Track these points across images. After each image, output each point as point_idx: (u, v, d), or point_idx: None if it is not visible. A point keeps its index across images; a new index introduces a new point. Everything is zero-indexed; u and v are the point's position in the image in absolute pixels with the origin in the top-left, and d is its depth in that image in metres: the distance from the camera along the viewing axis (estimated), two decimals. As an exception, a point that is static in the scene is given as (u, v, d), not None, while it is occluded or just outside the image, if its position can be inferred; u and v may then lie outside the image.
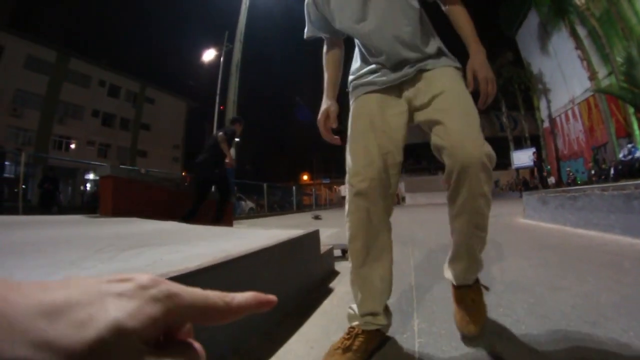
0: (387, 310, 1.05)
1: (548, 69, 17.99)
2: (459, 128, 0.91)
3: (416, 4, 1.05)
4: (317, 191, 24.58)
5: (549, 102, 18.78)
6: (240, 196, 13.96)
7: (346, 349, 0.93)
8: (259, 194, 14.93)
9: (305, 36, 1.24)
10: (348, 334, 0.98)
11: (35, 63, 20.67)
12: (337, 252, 2.39)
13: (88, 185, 16.87)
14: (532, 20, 17.86)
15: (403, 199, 20.52)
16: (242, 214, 12.52)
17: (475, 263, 1.05)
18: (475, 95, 1.02)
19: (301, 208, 17.95)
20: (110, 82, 25.58)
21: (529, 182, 19.54)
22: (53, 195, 9.55)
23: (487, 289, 1.16)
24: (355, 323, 1.00)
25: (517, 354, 0.91)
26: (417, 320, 1.20)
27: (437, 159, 1.01)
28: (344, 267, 2.09)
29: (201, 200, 4.04)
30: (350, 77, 1.15)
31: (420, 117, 1.02)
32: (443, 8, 1.11)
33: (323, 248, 1.86)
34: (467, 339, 1.01)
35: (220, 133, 4.30)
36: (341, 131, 1.19)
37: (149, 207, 3.33)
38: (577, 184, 13.47)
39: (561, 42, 15.63)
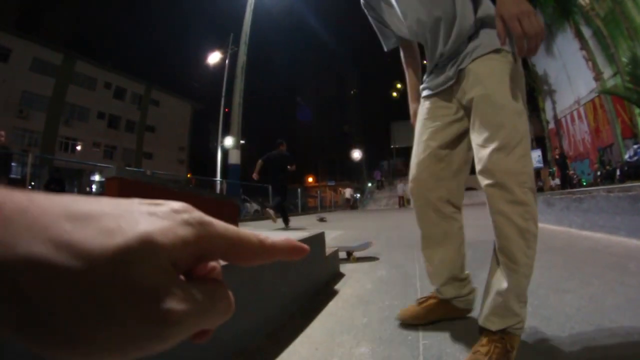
0: (461, 286, 1.14)
1: (553, 70, 17.87)
2: (484, 146, 0.90)
3: None
4: (322, 193, 24.57)
5: (554, 103, 18.64)
6: (245, 198, 14.00)
7: (419, 304, 1.20)
8: (264, 196, 15.00)
9: (385, 50, 1.30)
10: (427, 295, 1.22)
11: (41, 65, 20.92)
12: (342, 255, 2.40)
13: (94, 187, 17.01)
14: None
15: (408, 201, 20.47)
16: (247, 216, 12.54)
17: (503, 306, 0.90)
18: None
19: (306, 210, 17.94)
20: (116, 84, 25.81)
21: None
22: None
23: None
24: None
25: (521, 356, 0.91)
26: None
27: None
28: (349, 270, 2.10)
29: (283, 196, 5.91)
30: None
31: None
32: None
33: (328, 250, 1.87)
34: None
35: (285, 159, 5.88)
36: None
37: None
38: (583, 186, 13.35)
39: (566, 42, 15.53)
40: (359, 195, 28.91)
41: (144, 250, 0.13)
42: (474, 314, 1.16)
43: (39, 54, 20.86)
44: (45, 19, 29.62)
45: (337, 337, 1.11)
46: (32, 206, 0.13)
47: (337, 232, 4.39)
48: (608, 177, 11.05)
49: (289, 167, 5.85)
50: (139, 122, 27.46)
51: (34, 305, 0.12)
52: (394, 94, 44.63)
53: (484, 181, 0.90)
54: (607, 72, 12.89)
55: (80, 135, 23.09)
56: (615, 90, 11.50)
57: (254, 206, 14.92)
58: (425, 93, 1.14)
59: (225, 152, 12.05)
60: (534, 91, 21.97)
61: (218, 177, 12.68)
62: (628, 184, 3.33)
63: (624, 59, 11.06)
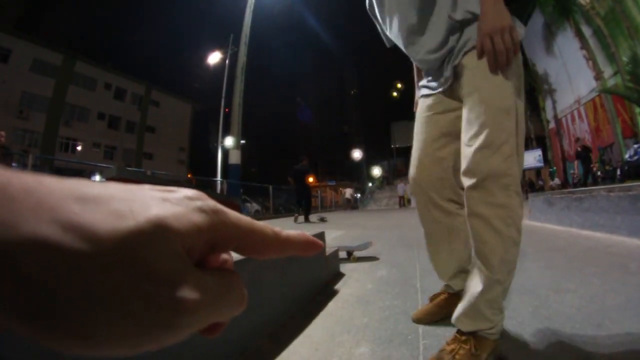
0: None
1: (553, 70, 17.86)
2: (468, 145, 0.87)
3: None
4: (322, 193, 24.56)
5: (554, 102, 18.63)
6: (246, 198, 14.01)
7: (431, 301, 1.24)
8: (264, 196, 15.00)
9: (387, 46, 1.29)
10: (438, 292, 1.25)
11: (41, 66, 20.93)
12: (343, 254, 2.39)
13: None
14: (537, 21, 17.75)
15: (409, 200, 20.48)
16: (248, 216, 12.58)
17: (473, 309, 0.87)
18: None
19: (307, 209, 17.96)
20: (116, 85, 25.82)
21: (534, 183, 19.39)
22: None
23: None
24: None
25: (521, 356, 0.91)
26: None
27: None
28: (349, 269, 2.10)
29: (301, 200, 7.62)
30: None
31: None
32: None
33: (328, 250, 1.87)
34: None
35: (305, 169, 7.91)
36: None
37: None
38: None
39: (566, 42, 15.52)
40: (359, 195, 28.90)
41: (157, 234, 0.13)
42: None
43: (39, 55, 20.87)
44: (45, 19, 29.62)
45: (337, 337, 1.11)
46: (39, 187, 0.12)
47: (338, 232, 4.39)
48: (608, 177, 11.03)
49: (306, 177, 7.92)
50: (139, 122, 27.46)
51: (37, 290, 0.11)
52: (394, 93, 44.63)
53: (466, 182, 0.85)
54: (607, 71, 12.88)
55: (80, 135, 23.12)
56: (615, 89, 11.48)
57: (254, 206, 14.93)
58: (424, 92, 1.13)
59: (226, 152, 12.03)
60: (534, 90, 21.97)
61: (219, 177, 12.63)
62: (628, 184, 3.33)
63: (624, 58, 11.06)
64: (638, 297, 1.29)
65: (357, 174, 42.75)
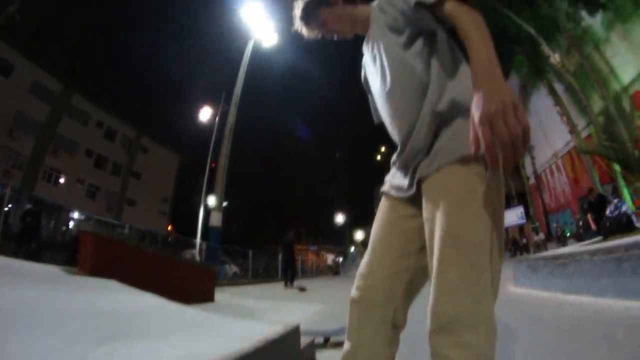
0: None
1: (530, 128, 18.94)
2: (434, 284, 0.71)
3: (412, 57, 0.82)
4: (303, 257, 23.91)
5: (533, 159, 19.45)
6: (224, 259, 13.65)
7: None
8: (244, 257, 14.66)
9: (375, 123, 1.11)
10: None
11: (40, 90, 20.71)
12: (319, 339, 2.21)
13: (71, 224, 16.33)
14: (513, 83, 18.99)
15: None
16: (226, 278, 12.21)
17: None
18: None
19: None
20: (108, 125, 25.59)
21: (518, 241, 19.24)
22: (35, 230, 9.20)
23: None
24: None
25: None
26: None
27: None
28: (325, 357, 1.95)
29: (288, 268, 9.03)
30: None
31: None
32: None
33: (304, 341, 1.68)
34: None
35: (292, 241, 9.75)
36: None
37: (129, 271, 3.17)
38: (567, 237, 13.47)
39: (540, 100, 16.64)
40: (341, 258, 28.67)
41: None
42: None
43: (40, 78, 20.78)
44: (51, 44, 29.96)
45: None
46: None
47: (317, 306, 4.25)
48: (589, 227, 11.21)
49: (293, 248, 9.59)
50: (125, 166, 26.93)
51: None
52: (378, 157, 44.90)
53: (430, 324, 0.70)
54: (580, 123, 13.68)
55: (65, 168, 22.59)
56: (593, 149, 12.02)
57: (233, 268, 14.59)
58: (385, 189, 0.95)
59: (208, 212, 11.62)
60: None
61: (198, 239, 11.94)
62: (610, 243, 3.39)
63: (595, 110, 11.80)
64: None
65: (340, 238, 42.59)
